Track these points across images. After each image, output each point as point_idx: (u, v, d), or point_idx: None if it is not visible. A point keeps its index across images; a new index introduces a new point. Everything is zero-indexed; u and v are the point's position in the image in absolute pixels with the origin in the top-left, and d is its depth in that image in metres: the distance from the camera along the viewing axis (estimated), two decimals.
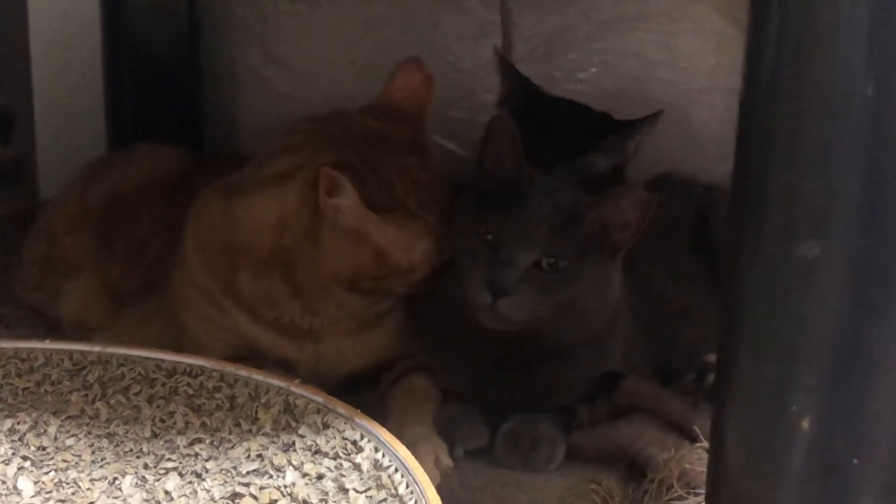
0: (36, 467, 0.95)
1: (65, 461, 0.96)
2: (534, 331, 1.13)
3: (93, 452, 0.97)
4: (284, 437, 0.97)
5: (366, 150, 1.16)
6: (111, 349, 1.09)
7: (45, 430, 1.00)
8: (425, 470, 0.90)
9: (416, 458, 0.92)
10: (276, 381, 1.03)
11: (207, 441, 0.98)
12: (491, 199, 1.14)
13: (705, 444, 1.07)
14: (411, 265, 1.16)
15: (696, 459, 1.07)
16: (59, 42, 1.79)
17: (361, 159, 1.15)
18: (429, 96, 1.23)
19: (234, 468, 0.93)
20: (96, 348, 1.09)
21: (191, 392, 1.04)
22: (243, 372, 1.05)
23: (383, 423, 0.98)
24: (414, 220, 1.16)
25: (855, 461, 0.72)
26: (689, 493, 1.05)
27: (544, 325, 1.12)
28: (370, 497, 0.87)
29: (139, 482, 0.93)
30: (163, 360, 1.07)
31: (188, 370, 1.06)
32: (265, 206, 1.17)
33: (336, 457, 0.93)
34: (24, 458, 0.97)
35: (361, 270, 1.15)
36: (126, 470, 0.95)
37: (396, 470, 0.89)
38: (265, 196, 1.17)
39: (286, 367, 1.20)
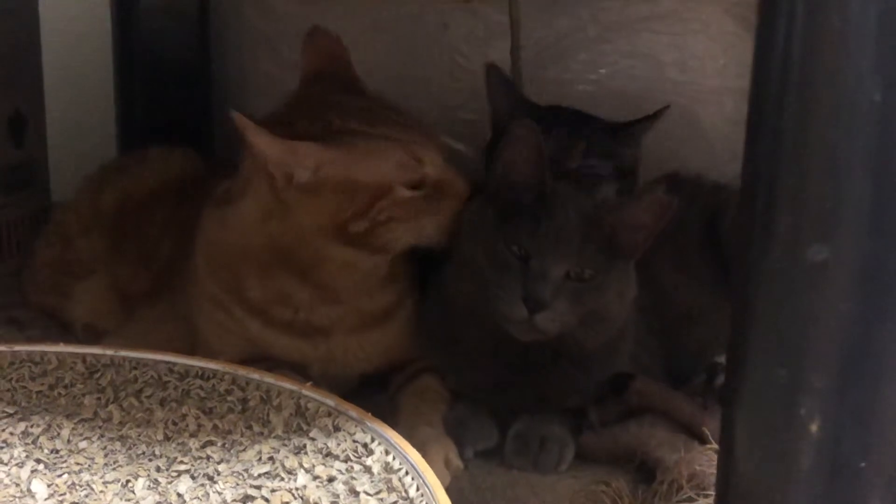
0: (49, 470, 0.96)
1: (78, 464, 0.97)
2: (557, 337, 1.13)
3: (105, 455, 0.98)
4: (296, 440, 0.97)
5: (295, 108, 1.18)
6: (124, 352, 1.09)
7: (59, 433, 1.00)
8: (435, 471, 0.90)
9: (427, 458, 0.92)
10: (287, 384, 1.03)
11: (219, 444, 0.98)
12: (513, 209, 1.14)
13: (715, 445, 1.07)
14: (384, 180, 1.12)
15: (706, 461, 1.07)
16: (71, 47, 1.80)
17: (290, 114, 1.16)
18: (346, 53, 1.23)
19: (246, 471, 0.94)
20: (109, 352, 1.10)
21: (203, 395, 1.04)
22: (255, 375, 1.05)
23: (394, 425, 0.98)
24: (365, 136, 1.13)
25: (863, 464, 0.72)
26: (698, 495, 1.04)
27: (569, 332, 1.13)
28: (381, 500, 0.88)
29: (152, 485, 0.94)
30: (175, 364, 1.07)
31: (200, 373, 1.07)
32: (249, 205, 1.18)
33: (347, 459, 0.93)
34: (38, 460, 0.97)
35: (338, 210, 1.12)
36: (139, 472, 0.95)
37: (407, 473, 0.89)
38: (247, 197, 1.18)
39: (300, 372, 1.20)
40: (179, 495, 0.92)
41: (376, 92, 1.22)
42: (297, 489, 0.90)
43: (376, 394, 1.23)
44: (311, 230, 1.14)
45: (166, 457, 0.97)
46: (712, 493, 0.98)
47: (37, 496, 0.93)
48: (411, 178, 1.14)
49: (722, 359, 1.22)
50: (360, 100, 1.18)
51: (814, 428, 0.73)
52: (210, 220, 1.24)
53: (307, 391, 1.02)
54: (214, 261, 1.23)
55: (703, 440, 1.12)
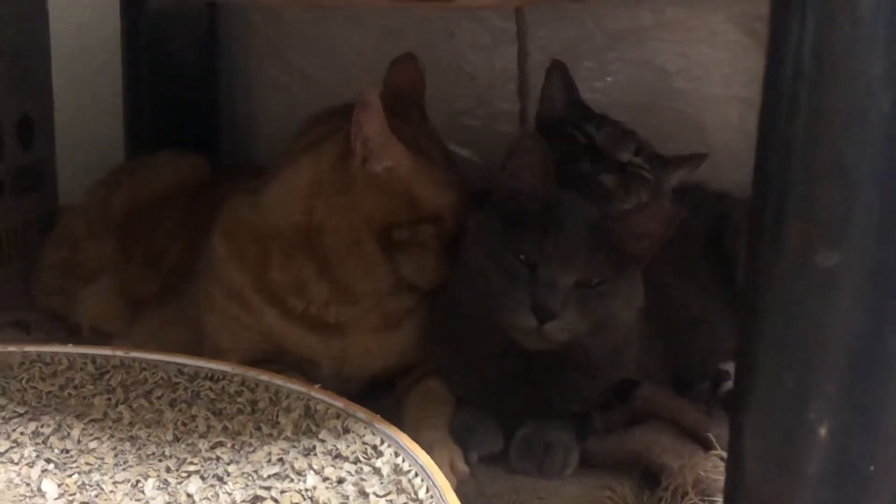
0: (60, 470, 0.97)
1: (88, 464, 0.98)
2: (564, 346, 1.13)
3: (115, 455, 0.99)
4: (305, 442, 0.98)
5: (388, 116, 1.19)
6: (134, 353, 1.10)
7: (69, 434, 1.01)
8: None
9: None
10: (296, 386, 1.04)
11: (229, 445, 0.99)
12: (519, 217, 1.14)
13: (720, 451, 1.07)
14: (440, 209, 1.18)
15: (711, 467, 1.07)
16: (79, 51, 1.81)
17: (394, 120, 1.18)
18: (423, 84, 1.30)
19: (256, 472, 0.94)
20: (119, 353, 1.10)
21: (212, 396, 1.05)
22: (264, 377, 1.06)
23: (399, 427, 0.99)
24: (437, 165, 1.19)
25: (871, 468, 0.73)
26: (703, 501, 1.04)
27: (576, 339, 1.13)
28: (390, 501, 0.88)
29: (161, 485, 0.94)
30: (185, 365, 1.08)
31: (210, 374, 1.07)
32: (298, 173, 1.20)
33: (356, 461, 0.94)
34: (48, 460, 0.98)
35: (394, 214, 1.17)
36: (148, 473, 0.96)
37: (416, 474, 0.90)
38: (298, 165, 1.20)
39: (310, 371, 1.21)
40: (189, 496, 0.93)
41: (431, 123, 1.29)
42: (306, 490, 0.91)
43: (383, 397, 1.23)
44: (361, 217, 1.17)
45: (176, 457, 0.98)
46: (717, 498, 0.98)
47: (47, 496, 0.93)
48: (455, 219, 1.20)
49: (727, 366, 1.23)
50: (433, 135, 1.25)
51: (822, 433, 0.73)
52: (238, 205, 1.25)
53: (316, 393, 1.03)
54: (239, 242, 1.23)
55: (707, 447, 1.12)
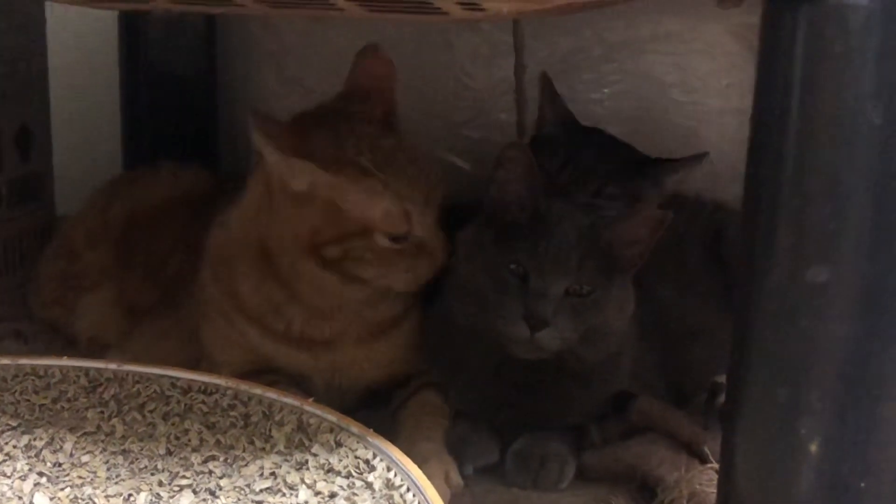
0: (52, 483, 0.97)
1: (80, 477, 0.97)
2: (557, 355, 1.13)
3: (108, 469, 0.99)
4: (297, 456, 0.97)
5: (322, 120, 1.17)
6: (127, 367, 1.10)
7: (62, 447, 1.01)
8: (435, 487, 0.90)
9: (427, 474, 0.92)
10: (289, 400, 1.04)
11: (221, 459, 0.99)
12: (510, 228, 1.15)
13: (716, 464, 1.07)
14: (370, 223, 1.13)
15: (707, 480, 1.07)
16: (78, 62, 1.81)
17: (313, 125, 1.16)
18: (393, 78, 1.23)
19: (248, 486, 0.94)
20: (112, 366, 1.10)
21: (205, 410, 1.05)
22: (257, 390, 1.05)
23: (394, 440, 0.99)
24: (367, 176, 1.13)
25: (862, 484, 0.73)
26: None
27: (569, 348, 1.13)
28: None
29: (154, 499, 0.94)
30: (178, 378, 1.08)
31: (203, 388, 1.07)
32: (248, 192, 1.20)
33: (348, 475, 0.94)
34: (41, 474, 0.98)
35: (317, 229, 1.14)
36: (141, 487, 0.96)
37: (408, 489, 0.89)
38: (248, 184, 1.20)
39: (303, 384, 1.20)
40: None
41: (404, 131, 1.22)
42: None
43: (378, 410, 1.23)
44: (289, 237, 1.15)
45: (168, 471, 0.98)
46: None
47: None
48: (394, 230, 1.14)
49: (723, 378, 1.23)
50: (383, 137, 1.18)
51: (813, 448, 0.73)
52: (217, 223, 1.26)
53: (309, 407, 1.02)
54: (216, 261, 1.24)
55: (703, 459, 1.12)
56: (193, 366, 1.17)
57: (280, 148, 1.10)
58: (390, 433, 1.01)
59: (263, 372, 1.19)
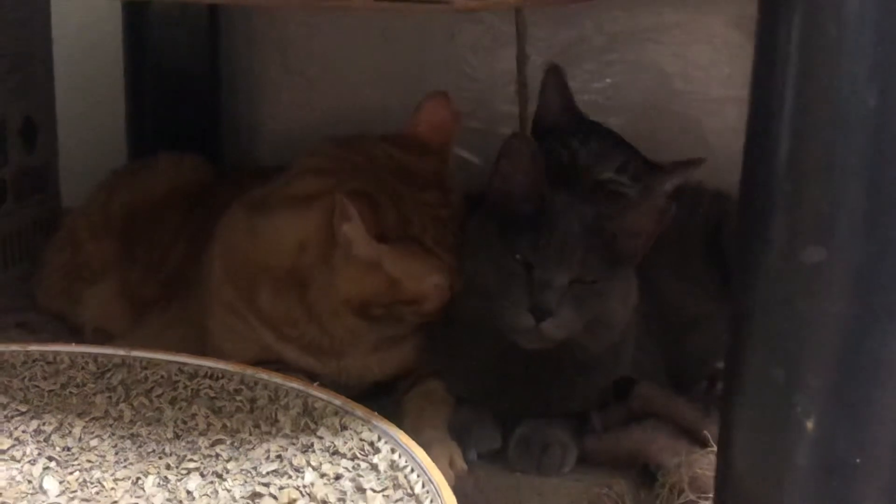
0: (61, 467, 0.98)
1: (89, 461, 0.98)
2: (561, 344, 1.14)
3: (116, 453, 1.00)
4: (303, 439, 0.98)
5: (388, 180, 1.17)
6: (135, 353, 1.10)
7: (70, 431, 1.02)
8: (440, 472, 0.91)
9: (432, 459, 0.93)
10: (294, 384, 1.04)
11: (228, 442, 1.00)
12: (514, 219, 1.15)
13: (716, 449, 1.08)
14: (421, 295, 1.17)
15: (707, 465, 1.07)
16: (82, 55, 1.82)
17: (382, 189, 1.16)
18: (454, 132, 1.23)
19: (255, 469, 0.95)
20: (120, 352, 1.11)
21: (212, 394, 1.06)
22: (263, 375, 1.06)
23: (399, 427, 0.99)
24: (428, 255, 1.16)
25: (858, 461, 0.74)
26: (699, 498, 1.05)
27: (574, 338, 1.14)
28: (387, 497, 0.89)
29: (161, 482, 0.95)
30: (185, 364, 1.08)
31: (209, 373, 1.07)
32: (287, 226, 1.18)
33: (354, 458, 0.95)
34: (50, 458, 0.99)
35: (373, 297, 1.16)
36: (149, 470, 0.97)
37: (413, 470, 0.90)
38: (287, 217, 1.18)
39: (310, 377, 1.21)
40: (189, 493, 0.94)
41: (453, 184, 1.23)
42: (304, 486, 0.92)
43: (382, 397, 1.24)
44: (342, 294, 1.16)
45: (176, 455, 0.98)
46: (712, 495, 0.98)
47: (49, 493, 0.94)
48: (441, 300, 1.18)
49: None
50: (440, 207, 1.20)
51: (809, 426, 0.74)
52: (237, 224, 1.24)
53: (314, 391, 1.03)
54: (233, 266, 1.23)
55: (704, 444, 1.12)
56: (200, 355, 1.17)
57: (369, 231, 1.12)
58: (394, 421, 1.01)
59: (271, 362, 1.20)
